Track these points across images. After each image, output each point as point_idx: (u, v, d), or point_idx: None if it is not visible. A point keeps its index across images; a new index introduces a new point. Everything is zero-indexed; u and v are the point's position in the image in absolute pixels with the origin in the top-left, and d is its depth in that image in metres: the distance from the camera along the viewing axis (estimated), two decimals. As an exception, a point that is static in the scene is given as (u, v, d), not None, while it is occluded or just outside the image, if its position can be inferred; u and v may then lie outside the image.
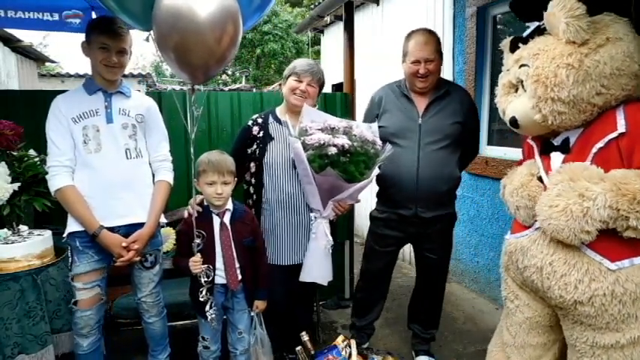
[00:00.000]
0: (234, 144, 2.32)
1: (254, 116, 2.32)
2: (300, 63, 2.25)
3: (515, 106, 1.62)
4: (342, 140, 1.96)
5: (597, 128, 1.48)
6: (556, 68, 1.43)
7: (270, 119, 2.27)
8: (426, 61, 2.18)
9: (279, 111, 2.31)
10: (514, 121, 1.62)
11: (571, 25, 1.39)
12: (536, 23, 1.60)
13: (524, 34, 1.64)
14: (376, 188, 2.44)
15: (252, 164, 2.21)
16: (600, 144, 1.45)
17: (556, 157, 1.57)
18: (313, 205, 2.14)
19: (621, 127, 1.42)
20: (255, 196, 2.23)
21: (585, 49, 1.42)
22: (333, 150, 1.95)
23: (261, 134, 2.23)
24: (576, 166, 1.46)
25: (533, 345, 1.72)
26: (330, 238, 2.16)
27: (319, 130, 2.02)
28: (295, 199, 2.18)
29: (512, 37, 1.68)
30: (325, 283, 2.21)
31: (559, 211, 1.42)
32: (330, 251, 2.19)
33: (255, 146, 2.22)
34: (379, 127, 2.26)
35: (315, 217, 2.15)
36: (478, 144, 2.51)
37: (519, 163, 1.80)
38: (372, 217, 2.49)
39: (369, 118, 2.43)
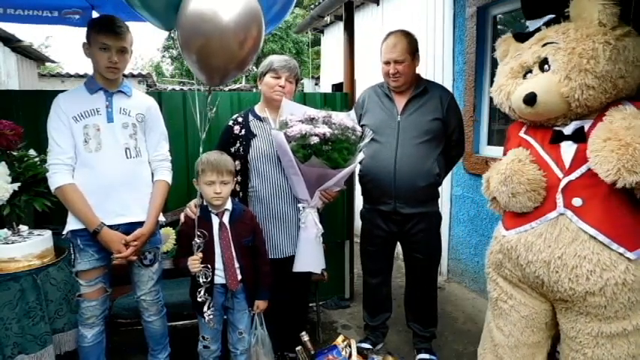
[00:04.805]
0: (217, 144, 2.29)
1: (234, 116, 2.34)
2: (276, 59, 2.24)
3: (533, 83, 1.59)
4: (323, 129, 1.98)
5: None
6: (593, 43, 1.47)
7: (250, 117, 2.28)
8: (395, 61, 2.28)
9: (258, 108, 2.32)
10: (532, 98, 1.56)
11: (608, 7, 1.47)
12: (544, 18, 1.65)
13: (534, 28, 1.68)
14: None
15: (236, 162, 2.20)
16: None
17: (567, 147, 1.57)
18: (300, 196, 2.14)
19: None
20: (241, 194, 2.23)
21: (616, 32, 1.48)
22: (315, 139, 1.96)
23: (242, 132, 2.24)
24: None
25: (527, 344, 1.71)
26: (320, 226, 2.16)
27: (299, 121, 2.04)
28: (283, 191, 2.19)
29: (514, 33, 1.72)
30: (318, 271, 2.24)
31: (620, 145, 1.35)
32: (321, 240, 2.20)
33: (238, 144, 2.22)
34: (361, 125, 2.30)
35: (304, 208, 2.15)
36: (463, 141, 2.50)
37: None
38: (360, 215, 2.57)
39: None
